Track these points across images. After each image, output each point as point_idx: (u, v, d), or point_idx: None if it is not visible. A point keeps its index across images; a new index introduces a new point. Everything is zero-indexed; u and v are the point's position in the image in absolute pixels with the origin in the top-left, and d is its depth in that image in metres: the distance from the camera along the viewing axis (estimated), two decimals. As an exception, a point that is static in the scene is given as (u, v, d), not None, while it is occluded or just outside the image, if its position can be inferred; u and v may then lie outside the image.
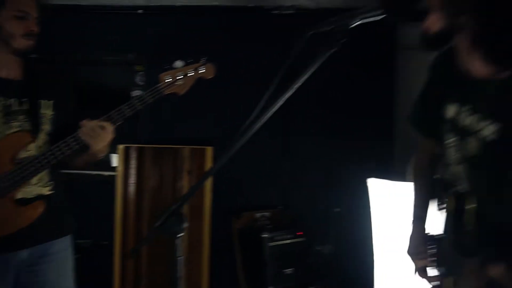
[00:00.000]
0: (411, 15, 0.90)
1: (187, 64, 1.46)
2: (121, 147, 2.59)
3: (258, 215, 2.77)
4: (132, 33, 2.88)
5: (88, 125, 1.37)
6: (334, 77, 2.57)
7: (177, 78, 1.44)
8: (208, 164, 2.60)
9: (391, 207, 2.04)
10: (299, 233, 2.51)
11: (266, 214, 2.79)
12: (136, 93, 2.93)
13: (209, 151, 2.60)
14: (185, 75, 1.44)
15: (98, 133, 1.37)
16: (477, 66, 0.98)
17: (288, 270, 2.47)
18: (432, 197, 1.28)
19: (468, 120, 1.02)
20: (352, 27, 0.81)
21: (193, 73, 1.45)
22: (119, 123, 1.43)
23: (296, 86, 0.88)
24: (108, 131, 1.39)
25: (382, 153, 2.75)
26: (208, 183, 2.59)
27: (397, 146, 2.79)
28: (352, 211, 2.58)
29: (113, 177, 2.65)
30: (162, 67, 1.46)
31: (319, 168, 2.85)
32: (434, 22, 0.93)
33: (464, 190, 1.08)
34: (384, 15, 0.82)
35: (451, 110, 1.08)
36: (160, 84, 1.42)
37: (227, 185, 2.73)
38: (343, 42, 0.81)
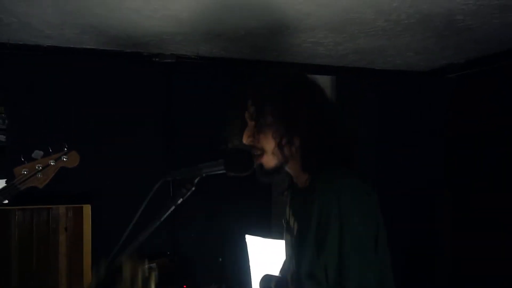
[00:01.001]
0: (246, 172, 1.04)
1: (46, 155, 1.39)
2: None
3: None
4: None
5: None
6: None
7: (36, 170, 1.36)
8: (87, 222, 2.47)
9: (266, 262, 2.22)
10: (184, 286, 2.52)
11: (153, 265, 2.74)
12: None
13: (87, 209, 2.47)
14: (45, 167, 1.38)
15: None
16: (299, 178, 1.20)
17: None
18: None
19: (291, 221, 1.24)
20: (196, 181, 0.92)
21: (53, 164, 1.39)
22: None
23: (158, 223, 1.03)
24: None
25: (261, 218, 2.98)
26: (87, 242, 2.46)
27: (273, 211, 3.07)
28: (234, 261, 2.72)
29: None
30: (20, 159, 1.37)
31: (208, 219, 2.93)
32: (269, 161, 1.14)
33: None
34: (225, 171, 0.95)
35: (286, 213, 1.29)
36: (15, 180, 1.33)
37: (109, 237, 2.62)
38: (191, 191, 0.90)
